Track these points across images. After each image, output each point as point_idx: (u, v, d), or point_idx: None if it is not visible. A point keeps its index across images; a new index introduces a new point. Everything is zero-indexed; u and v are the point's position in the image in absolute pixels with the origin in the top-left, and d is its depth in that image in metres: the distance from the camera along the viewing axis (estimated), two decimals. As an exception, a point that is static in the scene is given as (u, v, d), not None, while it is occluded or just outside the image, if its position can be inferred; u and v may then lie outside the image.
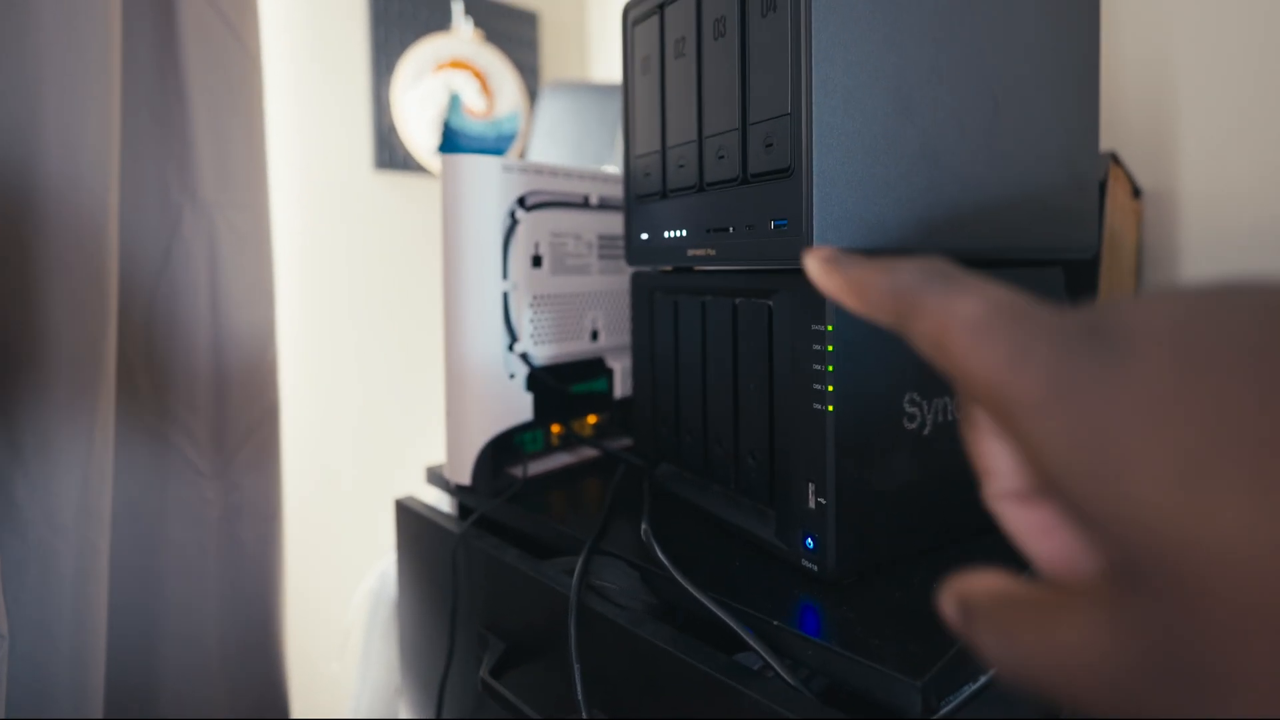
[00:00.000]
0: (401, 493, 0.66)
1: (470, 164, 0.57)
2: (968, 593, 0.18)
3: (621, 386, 0.69)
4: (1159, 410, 0.13)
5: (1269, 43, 0.65)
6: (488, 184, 0.57)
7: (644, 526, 0.45)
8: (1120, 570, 0.14)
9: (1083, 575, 0.17)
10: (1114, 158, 0.66)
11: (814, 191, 0.37)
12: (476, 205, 0.57)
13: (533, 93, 1.37)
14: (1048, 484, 0.15)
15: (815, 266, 0.22)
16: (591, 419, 0.68)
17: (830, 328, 0.39)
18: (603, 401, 0.68)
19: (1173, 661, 0.13)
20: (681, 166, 0.48)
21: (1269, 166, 0.66)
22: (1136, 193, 0.72)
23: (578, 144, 1.16)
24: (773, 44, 0.39)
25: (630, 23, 0.53)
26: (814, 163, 0.37)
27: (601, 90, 1.19)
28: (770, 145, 0.40)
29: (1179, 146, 0.72)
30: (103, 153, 0.63)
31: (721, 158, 0.44)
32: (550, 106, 1.19)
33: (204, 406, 0.71)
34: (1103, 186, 0.63)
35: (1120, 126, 0.75)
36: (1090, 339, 0.15)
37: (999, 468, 0.19)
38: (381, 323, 1.22)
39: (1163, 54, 0.72)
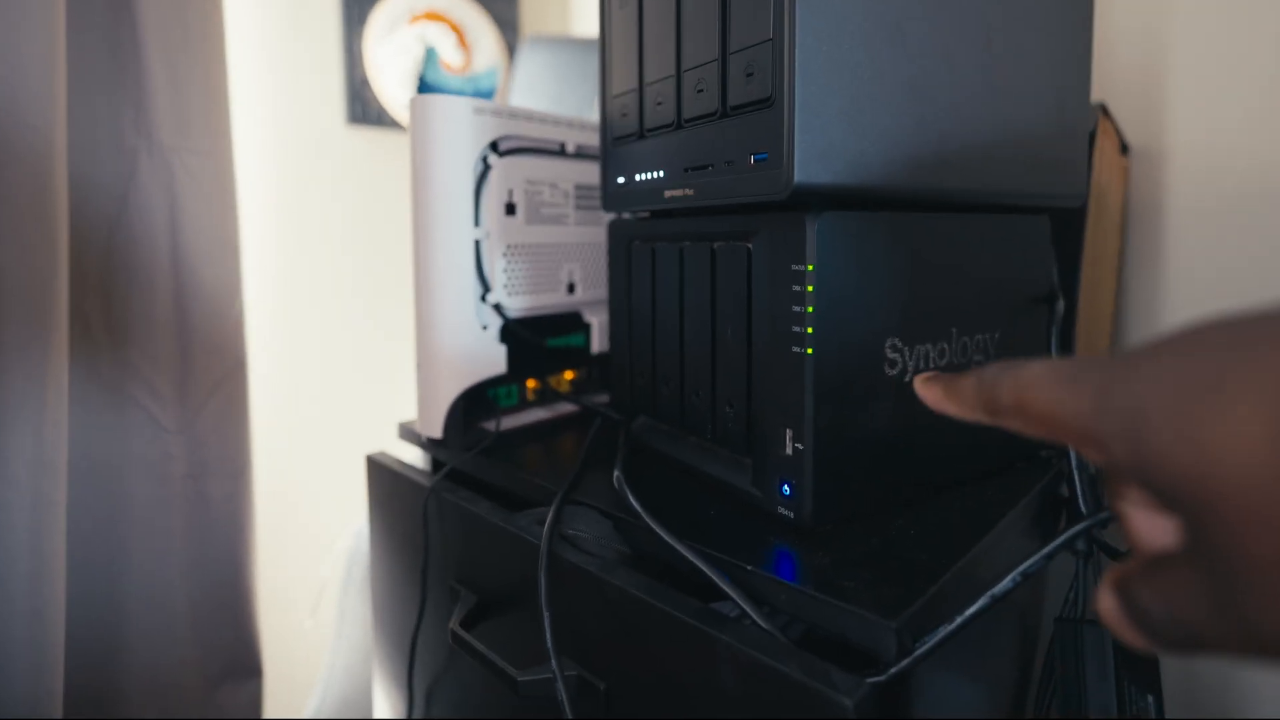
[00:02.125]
0: (376, 448, 0.64)
1: (440, 105, 0.55)
2: (1118, 578, 0.19)
3: (599, 341, 0.67)
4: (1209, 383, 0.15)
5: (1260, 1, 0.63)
6: (459, 126, 0.55)
7: (616, 474, 0.44)
8: (1193, 533, 0.16)
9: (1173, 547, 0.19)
10: (1103, 109, 0.65)
11: (795, 121, 0.36)
12: (446, 149, 0.55)
13: (512, 48, 1.33)
14: (1130, 472, 0.17)
15: (921, 387, 0.26)
16: (569, 375, 0.66)
17: (811, 267, 0.38)
18: (580, 357, 0.67)
19: (1229, 597, 0.15)
20: (659, 104, 0.46)
21: (1258, 127, 0.65)
22: (1124, 149, 0.71)
23: (557, 100, 1.12)
24: (755, -34, 0.37)
25: (608, -46, 0.51)
26: (796, 91, 0.36)
27: (582, 45, 1.15)
28: (751, 74, 0.38)
29: (1168, 104, 0.70)
30: (46, 84, 0.59)
31: (700, 91, 0.42)
32: (529, 62, 1.16)
33: (166, 360, 0.69)
34: (1091, 138, 0.61)
35: (1110, 81, 0.73)
36: (1122, 356, 0.18)
37: (1150, 529, 0.20)
38: (354, 278, 1.19)
39: (1154, 8, 0.70)
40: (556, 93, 1.13)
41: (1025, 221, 0.50)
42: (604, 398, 0.68)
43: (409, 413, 0.64)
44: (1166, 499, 0.16)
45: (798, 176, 0.36)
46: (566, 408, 0.66)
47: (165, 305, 0.69)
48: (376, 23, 1.14)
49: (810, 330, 0.38)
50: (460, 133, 0.55)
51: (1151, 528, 0.20)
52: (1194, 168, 0.70)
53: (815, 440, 0.39)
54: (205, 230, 0.70)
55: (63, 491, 0.58)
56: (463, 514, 0.51)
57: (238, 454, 0.74)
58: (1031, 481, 0.48)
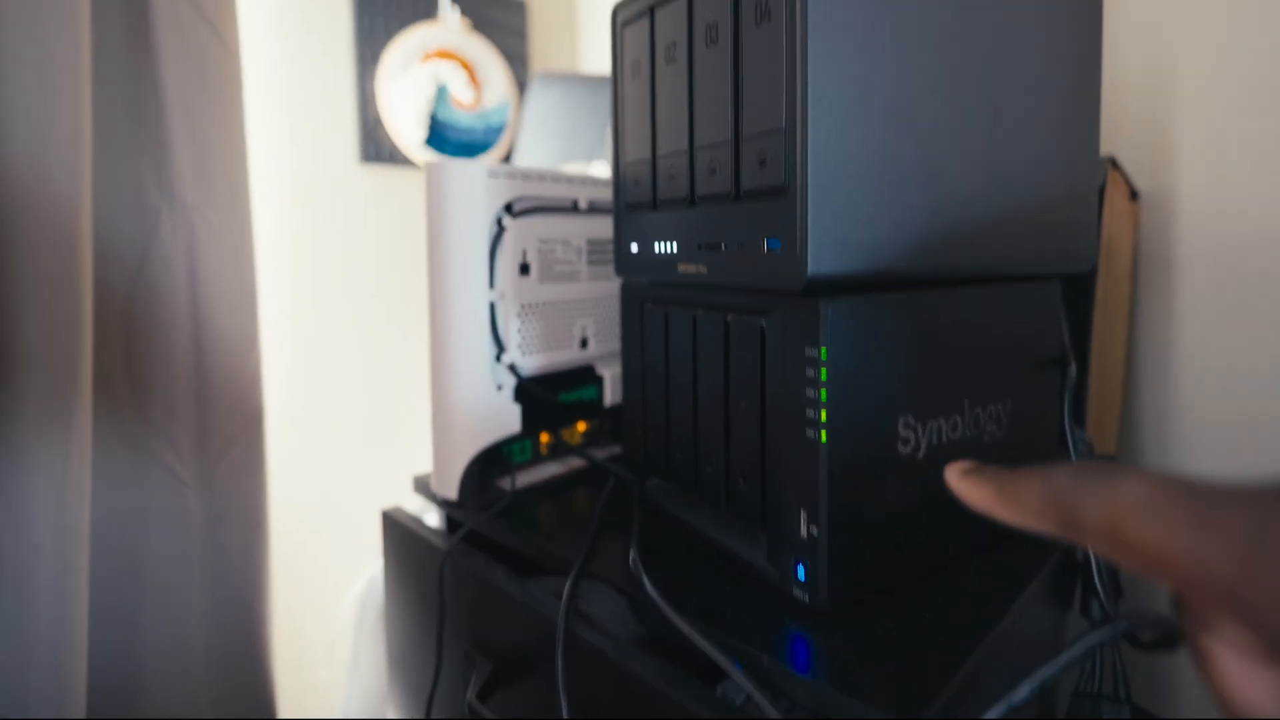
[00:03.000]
0: (390, 499, 0.65)
1: (455, 170, 0.55)
2: None
3: (612, 394, 0.68)
4: None
5: (1267, 45, 0.63)
6: (473, 191, 0.56)
7: (632, 555, 0.44)
8: None
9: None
10: (1113, 162, 0.65)
11: (809, 213, 0.36)
12: (461, 213, 0.56)
13: (522, 82, 1.34)
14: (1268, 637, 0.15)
15: (960, 483, 0.23)
16: (581, 426, 0.67)
17: (824, 352, 0.38)
18: (593, 409, 0.67)
19: None
20: (672, 178, 0.47)
21: (1267, 169, 0.65)
22: (1134, 195, 0.71)
23: (568, 137, 1.13)
24: (767, 55, 0.38)
25: (620, 24, 0.52)
26: (809, 182, 0.36)
27: (592, 82, 1.16)
28: (764, 162, 0.39)
29: (1177, 148, 0.70)
30: (73, 152, 0.60)
31: (713, 172, 0.43)
32: (540, 98, 1.17)
33: (186, 414, 0.70)
34: (1101, 193, 0.62)
35: (1118, 127, 0.73)
36: (1268, 492, 0.15)
37: (1257, 703, 0.17)
38: (368, 322, 1.20)
39: (1162, 53, 0.71)
40: (567, 130, 1.14)
41: (1036, 288, 0.50)
42: (616, 449, 0.68)
43: (425, 460, 0.64)
44: None
45: (811, 268, 0.36)
46: (580, 461, 0.66)
47: (185, 359, 0.70)
48: (389, 62, 1.16)
49: (824, 416, 0.38)
50: (474, 198, 0.56)
51: (1250, 682, 0.17)
52: (1204, 213, 0.70)
53: (830, 524, 0.39)
54: (224, 283, 0.71)
55: (85, 555, 0.59)
56: (478, 579, 0.52)
57: (255, 505, 0.75)
58: (1048, 547, 0.48)
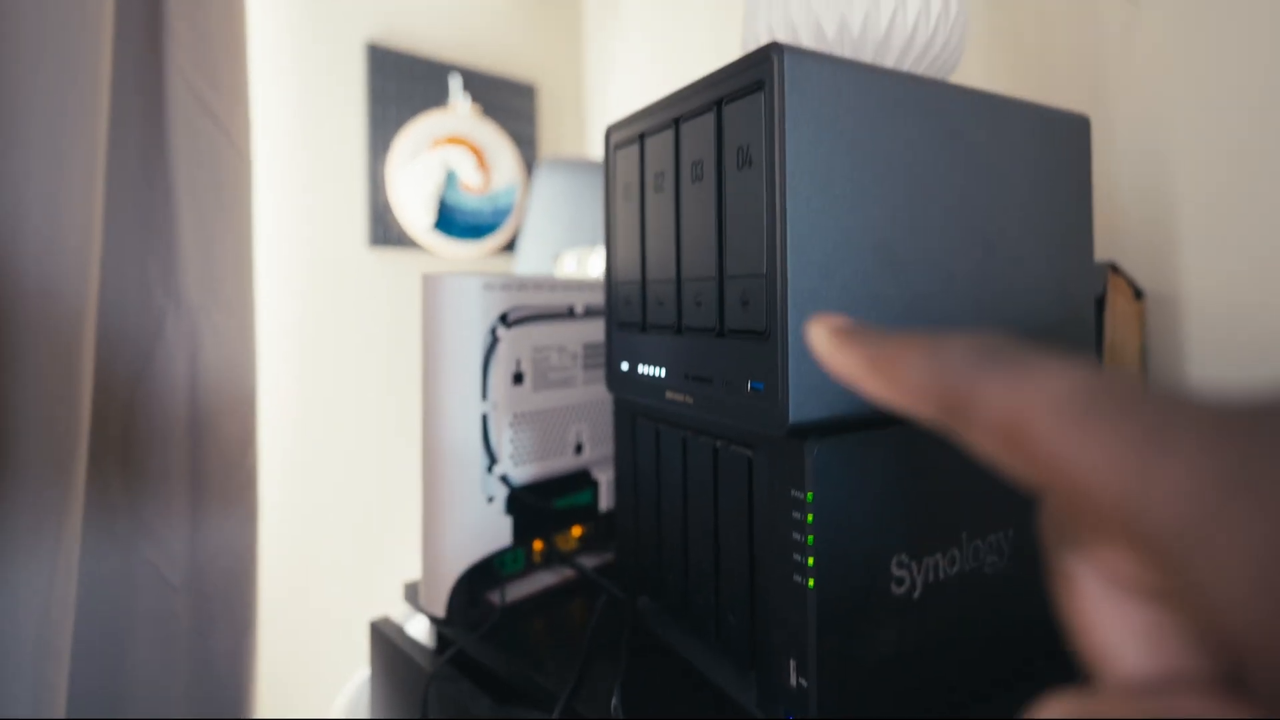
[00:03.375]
0: (383, 605, 0.63)
1: (450, 284, 0.56)
2: None
3: (607, 498, 0.67)
4: None
5: (1266, 141, 0.63)
6: (468, 304, 0.56)
7: (614, 702, 0.43)
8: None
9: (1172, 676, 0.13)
10: (1113, 267, 0.64)
11: (789, 360, 0.36)
12: (456, 326, 0.56)
13: (530, 164, 1.37)
14: (1209, 626, 0.11)
15: (824, 340, 0.18)
16: (576, 531, 0.66)
17: (810, 496, 0.37)
18: (588, 513, 0.66)
19: None
20: (660, 304, 0.47)
21: (1270, 264, 0.64)
22: (1139, 294, 0.70)
23: (573, 221, 1.15)
24: (748, 199, 0.38)
25: (612, 146, 0.53)
26: (789, 331, 0.36)
27: (598, 168, 1.19)
28: (746, 304, 0.38)
29: (1180, 244, 0.70)
30: (82, 255, 0.62)
31: (699, 304, 0.43)
32: (547, 183, 1.19)
33: (180, 516, 0.70)
34: (1100, 302, 0.61)
35: (1118, 229, 0.73)
36: (1256, 421, 0.11)
37: (1120, 644, 0.14)
38: (371, 413, 1.19)
39: (1158, 153, 0.71)
40: (572, 214, 1.16)
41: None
42: (612, 555, 0.67)
43: (417, 566, 0.63)
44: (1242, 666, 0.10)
45: (793, 416, 0.36)
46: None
47: (181, 462, 0.70)
48: (399, 148, 1.19)
49: (811, 561, 0.37)
50: (469, 310, 0.56)
51: (1114, 616, 0.14)
52: (1212, 308, 0.68)
53: (820, 675, 0.37)
54: (224, 385, 0.72)
55: (66, 660, 0.57)
56: (462, 708, 0.50)
57: (244, 610, 0.74)
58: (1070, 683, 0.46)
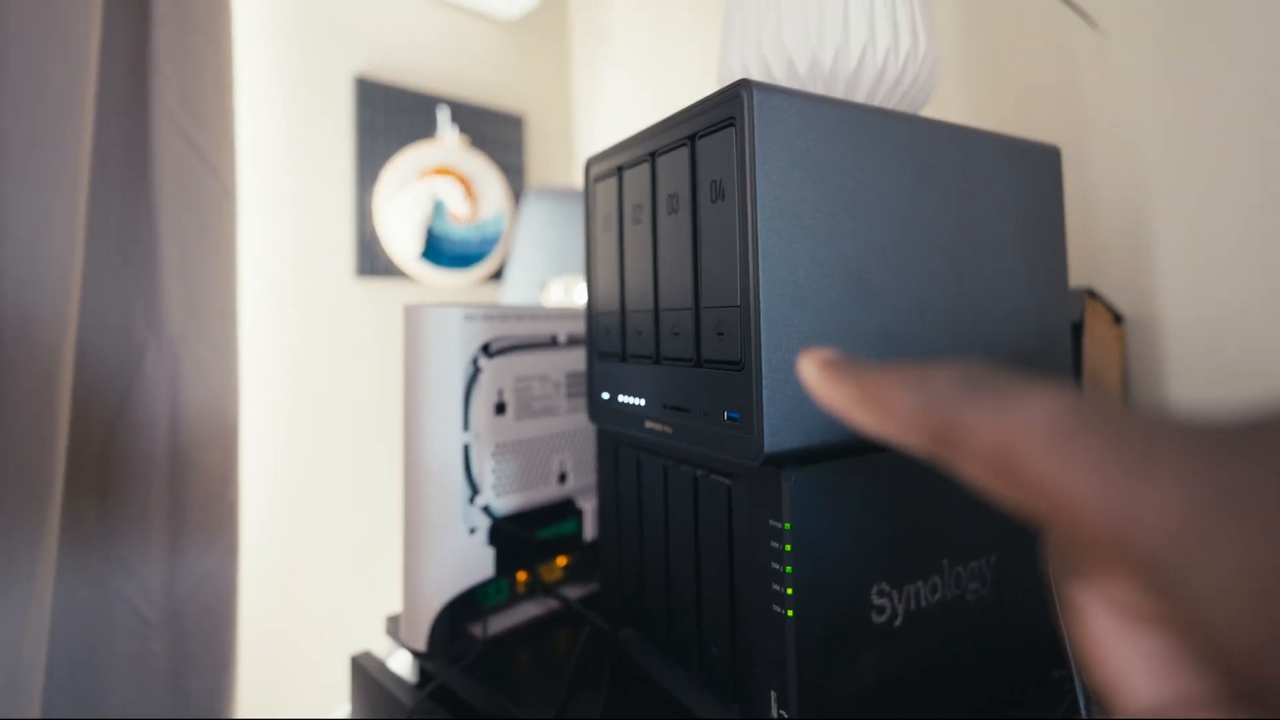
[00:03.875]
0: (367, 636, 0.63)
1: (431, 316, 0.56)
2: None
3: (592, 527, 0.66)
4: None
5: (1239, 165, 0.65)
6: (450, 335, 0.56)
7: (595, 738, 0.42)
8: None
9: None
10: (1090, 293, 0.65)
11: (764, 391, 0.36)
12: (437, 357, 0.56)
13: (518, 193, 1.38)
14: (1207, 646, 0.11)
15: (813, 373, 0.18)
16: (561, 561, 0.65)
17: (788, 525, 0.37)
18: (573, 543, 0.65)
19: None
20: (639, 334, 0.47)
21: (1247, 287, 0.65)
22: (1118, 319, 0.71)
23: (560, 250, 1.16)
24: (722, 232, 0.39)
25: (592, 178, 0.53)
26: (763, 363, 0.36)
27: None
28: (721, 334, 0.39)
29: (1158, 267, 0.71)
30: (62, 290, 0.62)
31: (676, 335, 0.43)
32: (534, 212, 1.20)
33: (157, 553, 0.69)
34: (1078, 328, 0.62)
35: (1096, 255, 0.74)
36: (1236, 440, 0.11)
37: (1132, 673, 0.14)
38: (354, 444, 1.18)
39: (1136, 179, 0.72)
40: (559, 243, 1.17)
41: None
42: (596, 585, 0.66)
43: (399, 599, 0.62)
44: (1241, 685, 0.11)
45: (768, 446, 0.36)
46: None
47: (160, 496, 0.69)
48: (387, 180, 1.20)
49: (790, 591, 0.37)
50: (450, 341, 0.56)
51: (1123, 647, 0.14)
52: (1191, 330, 0.69)
53: (801, 706, 0.37)
54: (206, 418, 0.72)
55: (39, 691, 0.56)
56: (442, 745, 0.49)
57: (222, 647, 0.73)
58: (1054, 709, 0.46)
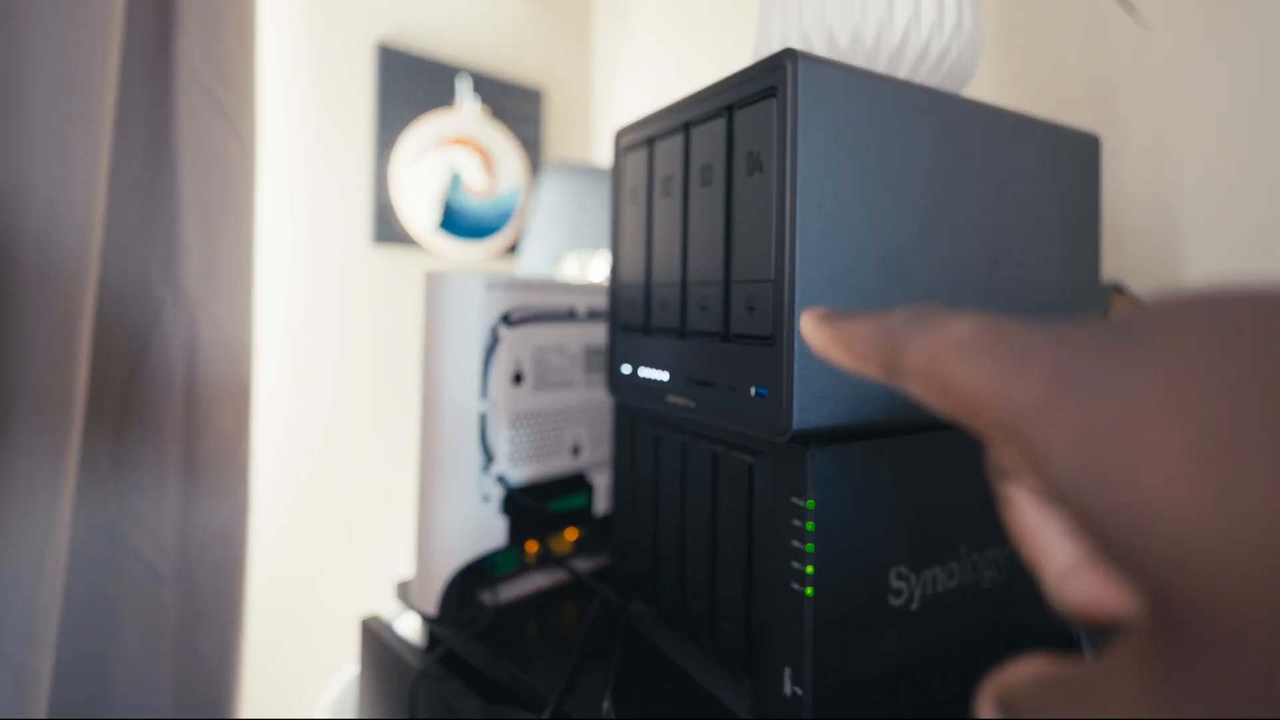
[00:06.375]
0: (374, 603, 0.63)
1: (453, 282, 0.56)
2: (1004, 687, 0.15)
3: (603, 502, 0.66)
4: (1179, 397, 0.11)
5: (1275, 160, 0.64)
6: (470, 303, 0.56)
7: (605, 705, 0.42)
8: (1157, 620, 0.12)
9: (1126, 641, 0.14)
10: (1118, 288, 0.64)
11: (795, 367, 0.36)
12: (457, 324, 0.56)
13: (536, 165, 1.37)
14: (1060, 500, 0.13)
15: (807, 324, 0.21)
16: (571, 534, 0.65)
17: (811, 504, 0.37)
18: (583, 516, 0.65)
19: None
20: (664, 307, 0.46)
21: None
22: (1139, 316, 0.70)
23: (577, 225, 1.15)
24: (758, 206, 0.38)
25: (621, 149, 0.53)
26: (797, 336, 0.35)
27: (603, 173, 1.19)
28: (752, 309, 0.38)
29: (1188, 265, 0.70)
30: (82, 245, 0.62)
31: (704, 309, 0.42)
32: (551, 187, 1.19)
33: (171, 508, 0.69)
34: (1104, 321, 0.61)
35: (1126, 248, 0.73)
36: (1093, 336, 0.13)
37: (1049, 544, 0.16)
38: (369, 408, 1.18)
39: (1168, 171, 0.71)
40: (576, 218, 1.16)
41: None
42: (606, 558, 0.66)
43: (410, 563, 0.63)
44: (1120, 560, 0.12)
45: (797, 422, 0.36)
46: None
47: (174, 452, 0.69)
48: (405, 148, 1.19)
49: (810, 570, 0.37)
50: (471, 309, 0.56)
51: (1042, 526, 0.16)
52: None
53: (815, 684, 0.37)
54: (221, 376, 0.72)
55: (51, 649, 0.57)
56: (450, 708, 0.49)
57: (232, 604, 0.73)
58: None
